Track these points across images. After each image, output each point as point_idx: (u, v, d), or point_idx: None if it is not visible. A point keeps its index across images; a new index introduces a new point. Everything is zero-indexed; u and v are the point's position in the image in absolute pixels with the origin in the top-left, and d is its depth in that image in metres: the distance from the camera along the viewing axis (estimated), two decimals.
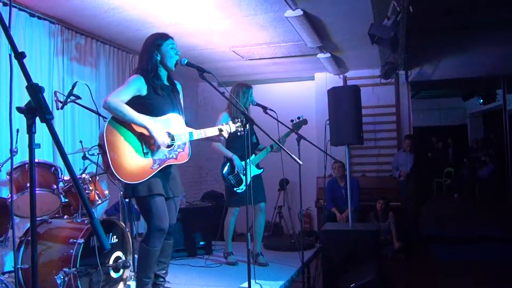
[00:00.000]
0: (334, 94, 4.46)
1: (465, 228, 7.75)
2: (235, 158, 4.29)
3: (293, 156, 2.90)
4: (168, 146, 2.90)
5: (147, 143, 2.82)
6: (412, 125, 7.11)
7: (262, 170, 4.46)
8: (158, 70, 2.98)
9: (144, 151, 2.82)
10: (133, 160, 2.76)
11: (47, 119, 1.23)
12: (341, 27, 5.04)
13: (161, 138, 2.80)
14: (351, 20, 4.82)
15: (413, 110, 7.17)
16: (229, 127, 3.12)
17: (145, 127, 2.78)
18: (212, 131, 3.08)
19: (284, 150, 2.98)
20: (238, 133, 3.15)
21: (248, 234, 2.86)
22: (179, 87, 3.17)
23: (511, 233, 6.89)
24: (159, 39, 2.98)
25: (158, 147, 2.82)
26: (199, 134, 3.02)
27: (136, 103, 2.83)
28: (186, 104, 3.34)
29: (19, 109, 1.27)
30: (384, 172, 7.03)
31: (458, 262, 5.59)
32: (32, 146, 1.23)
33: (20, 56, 1.27)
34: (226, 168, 4.34)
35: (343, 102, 4.36)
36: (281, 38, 5.41)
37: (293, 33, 5.08)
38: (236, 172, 4.32)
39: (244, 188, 4.29)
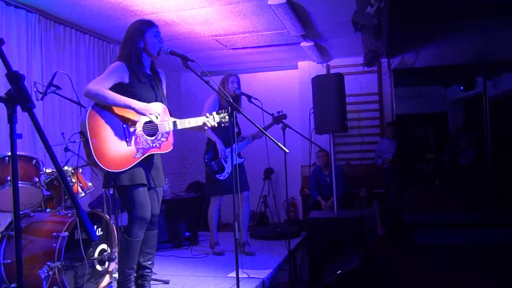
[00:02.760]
0: (318, 82, 4.45)
1: (447, 213, 7.88)
2: (219, 142, 4.29)
3: (280, 144, 2.89)
4: (152, 135, 2.87)
5: (133, 125, 2.78)
6: (394, 112, 7.16)
7: (243, 159, 4.48)
8: (141, 57, 2.93)
9: (127, 139, 2.77)
10: (116, 148, 2.72)
11: (29, 108, 1.18)
12: (324, 14, 5.02)
13: (147, 109, 2.78)
14: (334, 8, 4.80)
15: (396, 98, 7.21)
16: (212, 119, 3.09)
17: (129, 106, 2.75)
18: (196, 121, 3.05)
19: (271, 138, 2.97)
20: (222, 125, 3.13)
21: (235, 224, 2.85)
22: (161, 75, 3.13)
23: (492, 218, 7.03)
24: (143, 26, 2.93)
25: (146, 124, 2.81)
26: (183, 123, 2.99)
27: (118, 91, 2.79)
28: (169, 94, 3.30)
29: None
30: (367, 160, 7.08)
31: (441, 247, 5.68)
32: (13, 136, 1.19)
33: None
34: (209, 155, 4.35)
35: (327, 90, 4.36)
36: (264, 27, 5.36)
37: (276, 21, 5.05)
38: (218, 158, 4.32)
39: (226, 176, 4.31)
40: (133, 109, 2.75)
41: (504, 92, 9.14)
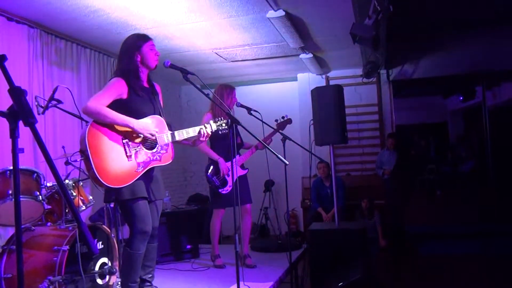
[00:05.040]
0: (317, 94, 4.47)
1: (448, 224, 7.86)
2: (222, 161, 4.27)
3: (280, 156, 2.90)
4: (151, 148, 2.88)
5: (132, 139, 2.79)
6: (394, 123, 7.18)
7: (247, 170, 4.46)
8: (139, 71, 2.96)
9: (128, 154, 2.78)
10: (117, 164, 2.72)
11: (31, 123, 1.20)
12: (322, 27, 5.06)
13: (146, 128, 2.79)
14: (333, 20, 4.85)
15: (395, 109, 7.24)
16: (210, 126, 3.10)
17: (128, 125, 2.76)
18: (194, 131, 3.05)
19: (270, 150, 2.98)
20: (220, 132, 3.13)
21: (236, 236, 2.84)
22: (157, 88, 3.15)
23: (494, 228, 7.01)
24: (139, 40, 2.96)
25: (145, 139, 2.82)
26: (181, 134, 3.00)
27: (117, 106, 2.81)
28: (169, 107, 3.33)
29: (1, 113, 1.24)
30: (368, 171, 7.08)
31: (443, 258, 5.66)
32: (16, 150, 1.20)
33: (0, 59, 1.23)
34: (210, 170, 4.33)
35: (327, 102, 4.38)
36: (263, 39, 5.41)
37: (275, 34, 5.09)
38: (220, 173, 4.30)
39: (230, 189, 4.29)
40: (132, 128, 2.77)
41: (503, 102, 9.18)
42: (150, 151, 2.88)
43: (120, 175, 2.72)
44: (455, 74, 7.09)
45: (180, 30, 4.92)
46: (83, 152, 2.66)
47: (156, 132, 2.86)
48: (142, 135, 2.81)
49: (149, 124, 2.86)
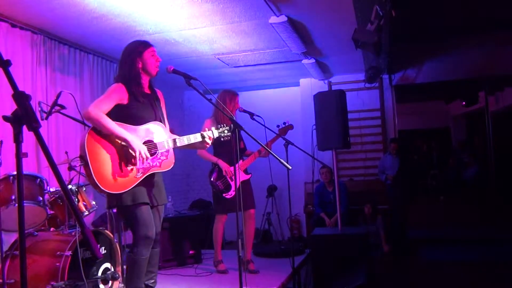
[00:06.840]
0: (320, 99, 4.48)
1: (451, 229, 7.82)
2: (221, 162, 4.28)
3: (282, 161, 2.90)
4: (152, 154, 2.87)
5: (128, 155, 2.78)
6: (397, 128, 7.17)
7: (250, 175, 4.46)
8: (140, 77, 2.96)
9: (126, 160, 2.77)
10: (116, 170, 2.72)
11: (35, 127, 1.20)
12: (324, 32, 5.08)
13: (141, 150, 2.76)
14: (335, 26, 4.86)
15: (398, 114, 7.23)
16: (211, 133, 3.09)
17: (125, 140, 2.74)
18: (195, 137, 3.04)
19: (273, 155, 2.98)
20: (222, 139, 3.13)
21: (239, 241, 2.83)
22: (159, 94, 3.15)
23: (497, 233, 6.97)
24: (141, 46, 2.96)
25: (138, 160, 2.78)
26: (182, 141, 2.99)
27: (117, 111, 2.81)
28: (171, 112, 3.32)
29: (5, 118, 1.24)
30: (371, 176, 7.07)
31: (446, 263, 5.63)
32: (19, 155, 1.20)
33: (5, 64, 1.24)
34: (214, 174, 4.33)
35: (329, 107, 4.39)
36: (265, 45, 5.42)
37: (277, 39, 5.10)
38: (224, 177, 4.30)
39: (233, 193, 4.28)
40: (128, 144, 2.73)
41: (506, 107, 9.16)
42: (150, 157, 2.87)
43: (119, 181, 2.72)
44: (458, 79, 7.08)
45: (183, 36, 4.94)
46: (83, 158, 2.66)
47: (148, 158, 2.81)
48: (134, 154, 2.76)
49: (148, 136, 2.83)
